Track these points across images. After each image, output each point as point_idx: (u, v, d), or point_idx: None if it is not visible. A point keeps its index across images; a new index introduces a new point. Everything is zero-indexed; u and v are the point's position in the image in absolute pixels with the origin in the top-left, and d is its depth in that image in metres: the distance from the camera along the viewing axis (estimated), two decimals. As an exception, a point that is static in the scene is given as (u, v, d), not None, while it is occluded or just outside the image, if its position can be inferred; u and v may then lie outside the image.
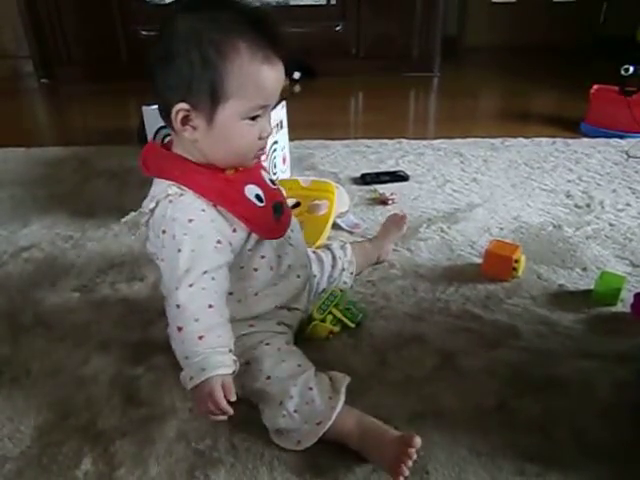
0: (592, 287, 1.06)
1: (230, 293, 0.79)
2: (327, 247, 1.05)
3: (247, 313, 0.83)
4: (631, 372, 0.84)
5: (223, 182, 0.77)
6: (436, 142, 1.91)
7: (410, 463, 0.67)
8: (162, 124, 1.43)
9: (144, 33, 2.79)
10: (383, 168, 1.68)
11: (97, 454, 0.74)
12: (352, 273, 1.06)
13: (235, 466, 0.72)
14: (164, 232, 0.73)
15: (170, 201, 0.74)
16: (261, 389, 0.76)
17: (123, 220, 0.81)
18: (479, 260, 1.16)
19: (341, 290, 0.98)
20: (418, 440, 0.68)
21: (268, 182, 0.85)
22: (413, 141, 1.92)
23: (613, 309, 1.02)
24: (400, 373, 0.87)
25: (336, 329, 0.93)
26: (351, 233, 1.30)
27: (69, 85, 2.84)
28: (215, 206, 0.76)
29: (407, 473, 0.67)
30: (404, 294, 1.07)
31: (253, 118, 0.74)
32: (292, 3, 2.80)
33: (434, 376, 0.86)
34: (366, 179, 1.58)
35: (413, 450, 0.67)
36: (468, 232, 1.29)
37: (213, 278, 0.72)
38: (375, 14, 2.88)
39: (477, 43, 3.39)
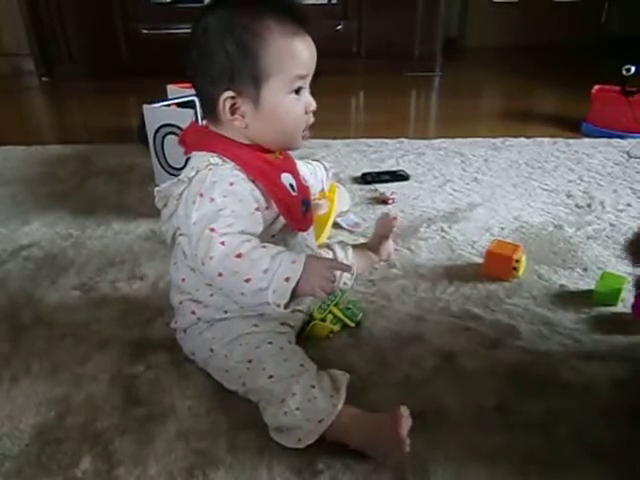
0: (593, 287, 1.06)
1: None
2: (329, 247, 1.05)
3: (253, 310, 0.83)
4: (631, 372, 0.84)
5: (263, 162, 0.79)
6: (437, 142, 1.91)
7: (406, 429, 0.68)
8: (163, 122, 1.43)
9: (144, 31, 2.80)
10: (384, 167, 1.68)
11: (96, 453, 0.73)
12: (352, 275, 1.06)
13: (234, 465, 0.71)
14: (201, 195, 0.74)
15: (210, 169, 0.75)
16: (263, 387, 0.76)
17: (157, 189, 0.82)
18: (480, 260, 1.16)
19: (341, 289, 0.97)
20: (404, 410, 0.69)
21: (301, 178, 0.87)
22: (414, 140, 1.92)
23: (613, 309, 1.02)
24: (400, 373, 0.87)
25: (336, 328, 0.93)
26: (351, 232, 1.30)
27: (70, 83, 2.84)
28: (254, 181, 0.77)
29: (408, 442, 0.68)
30: (404, 293, 1.06)
31: (297, 92, 0.76)
32: (293, 2, 2.80)
33: (434, 376, 0.86)
34: (367, 178, 1.58)
35: (403, 418, 0.68)
36: (469, 232, 1.29)
37: (248, 240, 0.73)
38: (376, 13, 2.88)
39: (478, 43, 3.39)
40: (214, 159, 0.76)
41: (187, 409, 0.80)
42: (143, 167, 1.61)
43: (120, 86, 2.67)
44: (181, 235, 0.81)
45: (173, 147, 1.43)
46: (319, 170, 1.04)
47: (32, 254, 1.22)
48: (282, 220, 0.81)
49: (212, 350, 0.82)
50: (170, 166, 1.46)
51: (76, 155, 1.80)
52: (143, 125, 1.50)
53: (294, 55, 0.74)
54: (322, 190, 1.07)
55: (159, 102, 1.47)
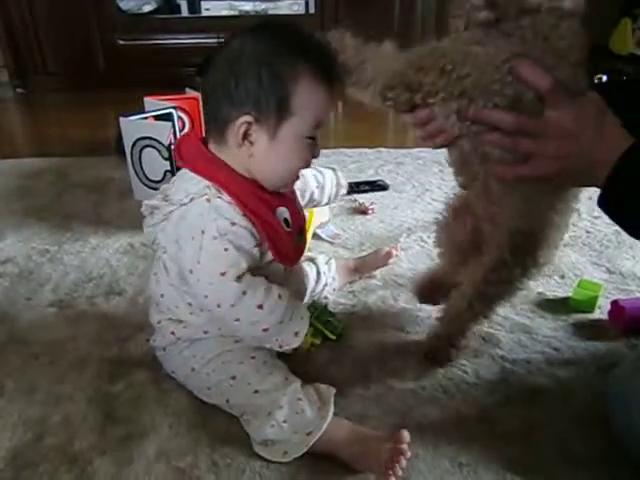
0: (570, 294, 1.07)
1: None
2: (312, 261, 1.04)
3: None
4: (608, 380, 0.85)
5: (259, 199, 0.76)
6: (415, 151, 1.92)
7: (404, 462, 0.69)
8: (140, 135, 1.42)
9: (121, 42, 2.77)
10: (363, 177, 1.68)
11: (75, 475, 0.72)
12: (334, 289, 1.07)
13: (216, 484, 0.71)
14: (203, 232, 0.72)
15: (208, 200, 0.73)
16: (248, 402, 0.76)
17: (146, 202, 0.80)
18: (459, 269, 1.17)
19: (321, 302, 0.97)
20: (406, 434, 0.71)
21: (297, 206, 0.85)
22: (392, 150, 1.94)
23: (591, 316, 1.04)
24: (382, 385, 0.87)
25: (317, 341, 0.92)
26: (331, 243, 1.30)
27: (45, 95, 2.80)
28: (249, 218, 0.75)
29: (400, 472, 0.69)
30: (385, 304, 1.07)
31: (311, 138, 0.75)
32: (271, 12, 2.81)
33: (416, 387, 0.87)
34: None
35: (404, 446, 0.70)
36: (448, 241, 1.30)
37: (268, 289, 0.75)
38: (353, 23, 2.88)
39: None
40: (211, 190, 0.74)
41: (168, 427, 0.79)
42: (121, 180, 1.59)
43: (97, 98, 2.64)
44: (165, 253, 0.80)
45: (151, 160, 1.42)
46: (328, 184, 1.02)
47: (7, 270, 1.19)
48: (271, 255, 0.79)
49: (193, 369, 0.81)
50: (148, 179, 1.45)
51: (52, 168, 1.78)
52: (120, 137, 1.48)
53: (320, 104, 0.75)
54: (327, 203, 1.06)
55: (136, 115, 1.46)
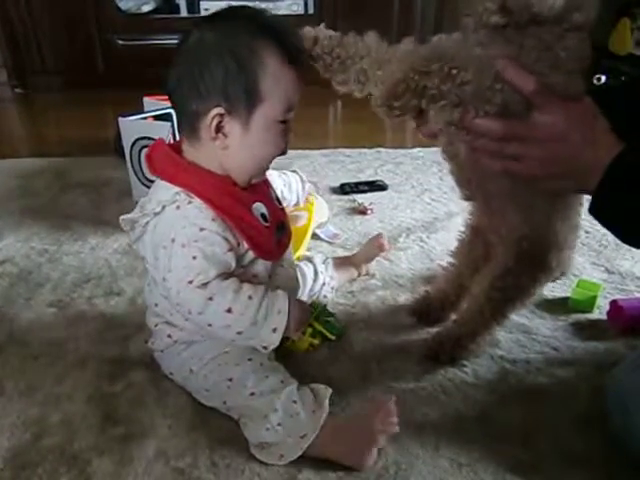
0: (569, 294, 1.07)
1: None
2: (310, 260, 1.04)
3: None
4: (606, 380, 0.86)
5: (233, 198, 0.75)
6: (414, 151, 1.92)
7: (395, 419, 0.73)
8: (139, 135, 1.42)
9: (120, 42, 2.77)
10: (362, 178, 1.68)
11: (73, 475, 0.72)
12: (333, 288, 1.07)
13: (215, 484, 0.71)
14: (173, 241, 0.72)
15: (178, 207, 0.73)
16: (245, 404, 0.76)
17: (122, 217, 0.80)
18: (458, 269, 1.17)
19: (320, 302, 0.97)
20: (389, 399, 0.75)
21: (274, 200, 0.85)
22: (391, 150, 1.93)
23: (590, 316, 1.04)
24: (381, 385, 0.87)
25: (316, 342, 0.93)
26: (330, 243, 1.29)
27: (44, 94, 2.80)
28: (223, 219, 0.74)
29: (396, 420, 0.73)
30: (384, 305, 1.07)
31: (284, 122, 0.75)
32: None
33: (415, 387, 0.87)
34: (345, 189, 1.58)
35: (389, 403, 0.74)
36: (447, 241, 1.30)
37: (226, 278, 0.73)
38: (352, 24, 2.88)
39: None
40: (180, 195, 0.73)
41: (167, 427, 0.79)
42: (120, 180, 1.59)
43: (96, 98, 2.64)
44: (147, 264, 0.80)
45: (150, 160, 1.41)
46: (294, 182, 1.03)
47: (6, 270, 1.19)
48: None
49: (191, 371, 0.81)
50: (147, 179, 1.44)
51: (51, 168, 1.77)
52: (119, 137, 1.48)
53: (288, 86, 0.73)
54: (297, 203, 1.06)
55: (135, 115, 1.46)
